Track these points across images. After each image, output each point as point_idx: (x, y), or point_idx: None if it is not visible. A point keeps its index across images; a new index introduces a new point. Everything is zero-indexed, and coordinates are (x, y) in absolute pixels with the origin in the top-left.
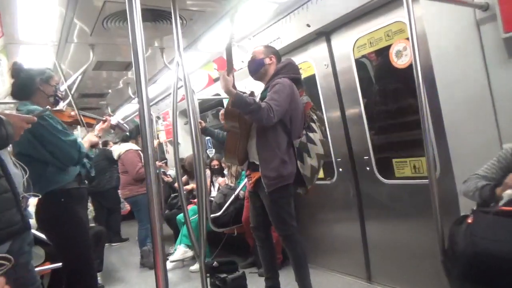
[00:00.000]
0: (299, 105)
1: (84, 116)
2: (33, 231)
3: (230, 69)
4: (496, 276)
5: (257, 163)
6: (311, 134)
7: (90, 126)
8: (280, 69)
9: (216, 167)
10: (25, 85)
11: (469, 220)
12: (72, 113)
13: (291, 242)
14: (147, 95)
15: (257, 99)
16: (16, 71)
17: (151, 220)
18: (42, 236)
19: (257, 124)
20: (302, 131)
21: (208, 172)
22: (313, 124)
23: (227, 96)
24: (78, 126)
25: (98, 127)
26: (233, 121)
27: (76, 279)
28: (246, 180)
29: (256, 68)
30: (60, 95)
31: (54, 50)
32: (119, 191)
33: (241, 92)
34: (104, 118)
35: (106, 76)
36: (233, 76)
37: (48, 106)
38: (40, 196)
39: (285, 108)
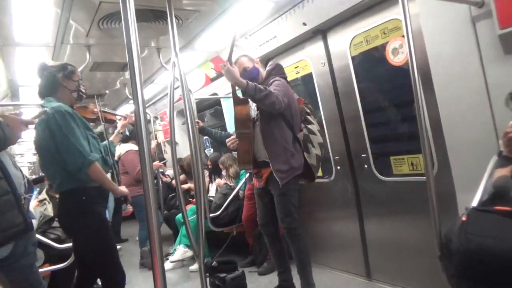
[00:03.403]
0: (295, 101)
1: (106, 112)
2: None
3: (231, 60)
4: (491, 272)
5: (267, 160)
6: (309, 126)
7: (112, 122)
8: (271, 71)
9: (209, 166)
10: (48, 82)
11: (463, 218)
12: (95, 109)
13: (295, 235)
14: (142, 96)
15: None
16: (40, 70)
17: (148, 220)
18: (41, 237)
19: (270, 110)
20: (301, 125)
21: (206, 171)
22: (308, 117)
23: (226, 96)
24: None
25: (120, 123)
26: (244, 127)
27: (104, 278)
28: (245, 179)
29: (256, 76)
30: (83, 90)
31: (50, 51)
32: None
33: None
34: (124, 115)
35: (103, 77)
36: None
37: (46, 109)
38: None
39: (286, 101)
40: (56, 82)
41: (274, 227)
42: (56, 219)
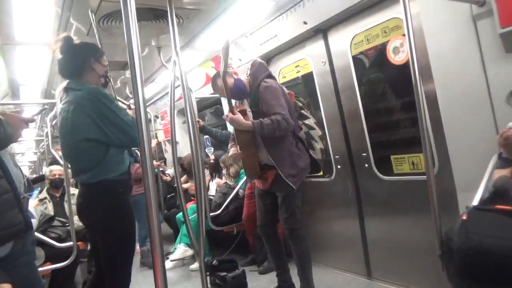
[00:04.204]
0: (289, 99)
1: (121, 101)
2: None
3: (232, 108)
4: (491, 271)
5: (269, 163)
6: (306, 121)
7: None
8: (256, 72)
9: (211, 161)
10: (76, 62)
11: (464, 217)
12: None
13: (297, 237)
14: (143, 95)
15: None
16: (67, 46)
17: (148, 219)
18: (42, 236)
19: (284, 134)
20: (298, 122)
21: (206, 170)
22: (303, 111)
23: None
24: None
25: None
26: (248, 146)
27: (121, 271)
28: (245, 178)
29: (243, 87)
30: (109, 76)
31: (51, 50)
32: None
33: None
34: (130, 104)
35: None
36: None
37: (46, 105)
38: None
39: (287, 107)
40: (86, 63)
41: (273, 228)
42: (57, 218)
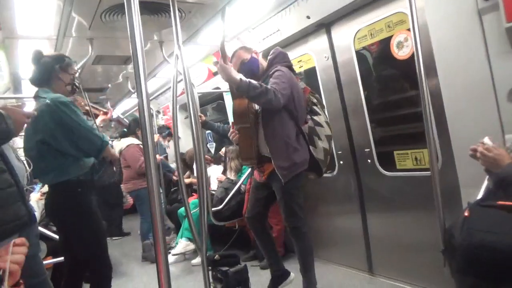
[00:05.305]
0: (300, 91)
1: (94, 107)
2: None
3: (224, 56)
4: (493, 268)
5: (268, 156)
6: (316, 117)
7: (97, 117)
8: (273, 59)
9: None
10: (43, 72)
11: (466, 214)
12: (82, 103)
13: (299, 234)
14: (146, 90)
15: None
16: (36, 59)
17: (152, 213)
18: (44, 230)
19: (266, 107)
20: (306, 116)
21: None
22: (315, 107)
23: (228, 90)
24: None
25: (100, 118)
26: (243, 120)
27: (93, 269)
28: (247, 174)
29: (255, 68)
30: (77, 84)
31: (53, 44)
32: (121, 185)
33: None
34: (106, 110)
35: (105, 70)
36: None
37: (47, 101)
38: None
39: (289, 93)
40: (51, 73)
41: (260, 222)
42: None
